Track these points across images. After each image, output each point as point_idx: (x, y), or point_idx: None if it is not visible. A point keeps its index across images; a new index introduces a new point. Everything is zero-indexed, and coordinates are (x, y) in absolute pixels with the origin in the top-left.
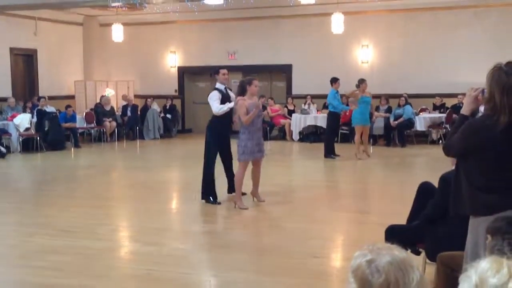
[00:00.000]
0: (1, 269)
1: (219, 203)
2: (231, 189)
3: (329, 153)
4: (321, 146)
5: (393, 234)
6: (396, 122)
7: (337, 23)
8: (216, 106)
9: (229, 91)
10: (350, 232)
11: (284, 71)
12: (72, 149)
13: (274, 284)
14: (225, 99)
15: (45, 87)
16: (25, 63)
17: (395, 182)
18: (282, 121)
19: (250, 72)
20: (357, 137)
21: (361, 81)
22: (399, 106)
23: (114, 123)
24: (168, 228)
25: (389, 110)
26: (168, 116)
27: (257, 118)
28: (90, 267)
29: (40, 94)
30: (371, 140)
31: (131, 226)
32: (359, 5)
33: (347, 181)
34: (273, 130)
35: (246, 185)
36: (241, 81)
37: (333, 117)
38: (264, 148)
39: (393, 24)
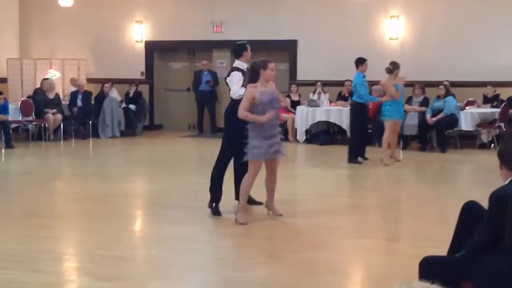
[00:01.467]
0: None
1: (219, 214)
2: (238, 194)
3: (354, 156)
4: (334, 150)
5: (431, 269)
6: (434, 119)
7: None
8: (236, 89)
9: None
10: (373, 265)
11: (286, 49)
12: (3, 150)
13: None
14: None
15: None
16: None
17: (432, 200)
18: (284, 115)
19: None
20: (386, 135)
21: (395, 65)
22: (438, 97)
23: (59, 116)
24: (130, 257)
25: (425, 102)
26: (132, 107)
27: (269, 107)
28: None
29: None
30: (401, 142)
31: (80, 254)
32: None
33: (369, 197)
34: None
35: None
36: (253, 63)
37: (360, 109)
38: (282, 148)
39: None
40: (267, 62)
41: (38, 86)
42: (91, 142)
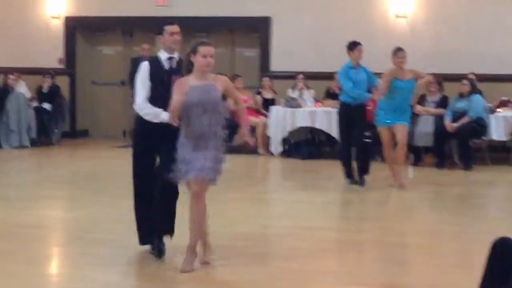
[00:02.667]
0: None
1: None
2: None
3: (347, 177)
4: (321, 165)
5: None
6: (455, 124)
7: None
8: (141, 102)
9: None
10: None
11: (256, 30)
12: None
13: None
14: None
15: None
16: None
17: (450, 234)
18: (252, 119)
19: (194, 29)
20: (385, 150)
21: (394, 52)
22: (461, 96)
23: None
24: None
25: (443, 103)
26: (46, 106)
27: (200, 110)
28: None
29: None
30: (412, 156)
31: None
32: None
33: (367, 230)
34: (235, 136)
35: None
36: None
37: (344, 111)
38: (218, 165)
39: None
40: (198, 46)
41: None
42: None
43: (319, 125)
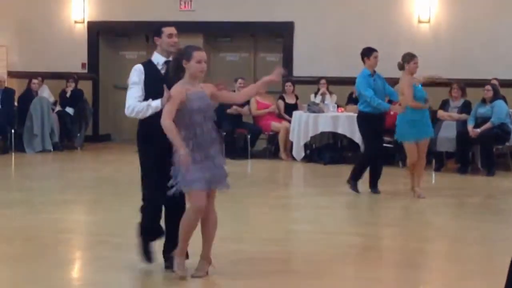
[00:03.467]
0: None
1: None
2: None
3: (354, 180)
4: (343, 171)
5: None
6: (478, 130)
7: None
8: (131, 100)
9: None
10: None
11: (279, 35)
12: None
13: None
14: (167, 82)
15: None
16: None
17: (473, 239)
18: (275, 124)
19: (217, 34)
20: (411, 162)
21: (410, 58)
22: (483, 101)
23: None
24: None
25: (465, 108)
26: (69, 110)
27: (201, 117)
28: None
29: None
30: (434, 162)
31: None
32: None
33: (390, 235)
34: (258, 141)
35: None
36: (176, 52)
37: (367, 121)
38: (223, 172)
39: None
40: (192, 50)
41: None
42: (13, 158)
43: (341, 130)
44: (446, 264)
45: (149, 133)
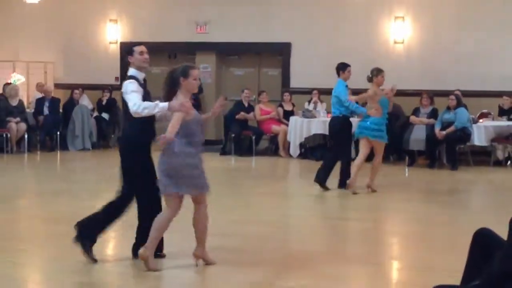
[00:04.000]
0: None
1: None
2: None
3: (320, 178)
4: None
5: None
6: (444, 132)
7: None
8: (137, 100)
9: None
10: None
11: (279, 53)
12: None
13: None
14: (144, 94)
15: None
16: None
17: (442, 223)
18: (275, 127)
19: (227, 52)
20: (359, 159)
21: (377, 72)
22: (448, 109)
23: (23, 125)
24: (104, 284)
25: (433, 114)
26: (105, 116)
27: (198, 128)
28: None
29: None
30: (407, 158)
31: (51, 281)
32: None
33: (371, 218)
34: (261, 141)
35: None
36: (172, 70)
37: (341, 124)
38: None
39: None
40: (189, 69)
41: (0, 91)
42: (59, 155)
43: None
44: (419, 242)
45: (144, 142)
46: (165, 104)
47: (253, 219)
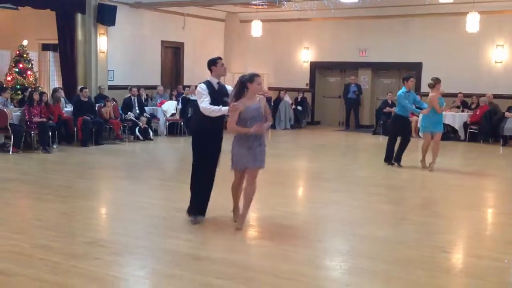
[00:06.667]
0: (155, 238)
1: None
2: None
3: (388, 159)
4: (451, 146)
5: None
6: None
7: (473, 22)
8: (205, 104)
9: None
10: (479, 229)
11: (413, 70)
12: None
13: (402, 274)
14: (217, 97)
15: (188, 77)
16: (173, 54)
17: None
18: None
19: (379, 68)
20: (423, 145)
21: (436, 81)
22: None
23: None
24: (299, 214)
25: None
26: (299, 108)
27: (253, 123)
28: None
29: (184, 84)
30: (501, 140)
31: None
32: (495, 4)
33: (360, 198)
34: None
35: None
36: (241, 76)
37: (399, 121)
38: (261, 157)
39: None
40: (254, 76)
41: None
42: (269, 132)
43: (447, 121)
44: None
45: (207, 131)
46: (226, 108)
47: (261, 200)
